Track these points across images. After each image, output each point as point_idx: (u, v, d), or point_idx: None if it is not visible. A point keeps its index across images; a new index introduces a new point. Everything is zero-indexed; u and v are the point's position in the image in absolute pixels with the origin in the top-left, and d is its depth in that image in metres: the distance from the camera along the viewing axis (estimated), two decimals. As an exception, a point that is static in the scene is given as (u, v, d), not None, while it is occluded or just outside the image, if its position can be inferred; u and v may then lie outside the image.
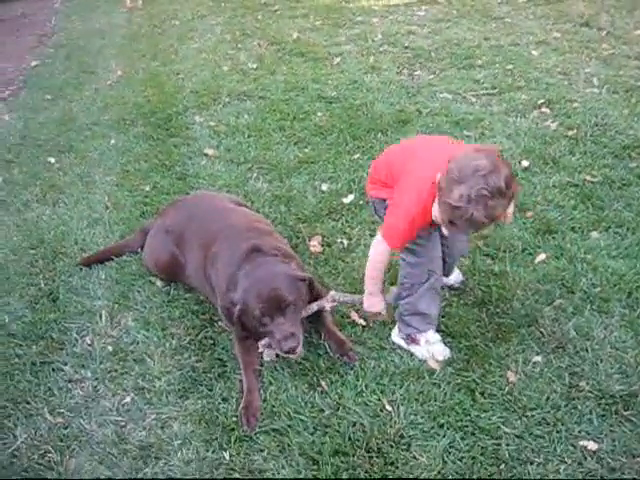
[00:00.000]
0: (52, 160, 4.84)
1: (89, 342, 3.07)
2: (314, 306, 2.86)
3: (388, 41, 6.58)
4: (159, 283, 3.40)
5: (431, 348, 2.82)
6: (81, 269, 3.56)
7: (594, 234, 3.53)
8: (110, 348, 3.02)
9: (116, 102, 5.78)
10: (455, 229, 2.42)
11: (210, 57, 6.61)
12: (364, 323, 3.02)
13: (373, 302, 2.81)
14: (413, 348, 2.85)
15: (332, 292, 2.90)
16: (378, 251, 2.67)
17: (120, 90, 6.07)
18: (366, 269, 2.75)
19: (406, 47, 6.38)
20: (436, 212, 2.44)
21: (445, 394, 2.63)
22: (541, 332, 2.91)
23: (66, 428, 2.67)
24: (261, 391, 2.73)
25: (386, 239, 2.62)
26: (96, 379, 2.87)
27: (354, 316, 3.06)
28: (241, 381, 2.77)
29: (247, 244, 2.96)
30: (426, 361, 2.79)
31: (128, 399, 2.76)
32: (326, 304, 2.85)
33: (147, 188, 4.29)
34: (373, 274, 2.74)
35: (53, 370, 2.94)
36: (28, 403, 2.79)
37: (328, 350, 2.88)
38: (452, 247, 2.95)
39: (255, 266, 2.84)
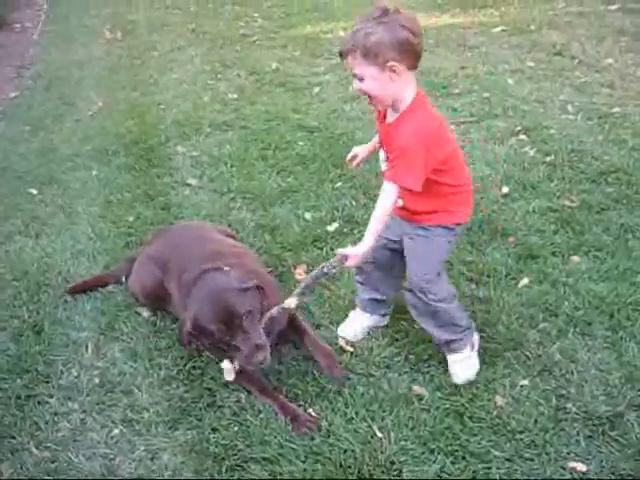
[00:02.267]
0: (34, 191, 4.83)
1: (75, 374, 3.05)
2: (275, 310, 2.75)
3: (366, 71, 6.66)
4: (145, 313, 3.39)
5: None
6: (66, 300, 3.55)
7: (575, 258, 3.59)
8: (97, 380, 3.01)
9: (97, 133, 5.79)
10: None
11: (190, 88, 6.65)
12: (352, 349, 3.04)
13: (365, 253, 2.64)
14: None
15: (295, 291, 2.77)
16: (392, 197, 2.57)
17: (101, 121, 6.08)
18: (378, 218, 2.60)
19: (384, 76, 6.46)
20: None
21: (435, 419, 2.65)
22: (527, 355, 2.95)
23: (53, 462, 2.65)
24: (251, 418, 2.73)
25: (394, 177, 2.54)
26: (83, 412, 2.86)
27: (341, 342, 3.08)
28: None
29: (203, 267, 2.96)
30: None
31: (116, 431, 2.75)
32: (290, 302, 2.72)
33: (131, 219, 4.29)
34: (381, 217, 2.60)
35: (39, 403, 2.92)
36: (13, 438, 2.77)
37: (315, 370, 2.88)
38: None
39: (200, 287, 2.84)
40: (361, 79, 2.56)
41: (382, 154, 2.80)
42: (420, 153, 2.51)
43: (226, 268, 2.92)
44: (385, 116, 2.70)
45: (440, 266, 2.85)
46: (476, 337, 2.97)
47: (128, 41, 8.83)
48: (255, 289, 2.81)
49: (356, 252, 2.62)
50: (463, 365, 2.87)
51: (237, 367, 2.78)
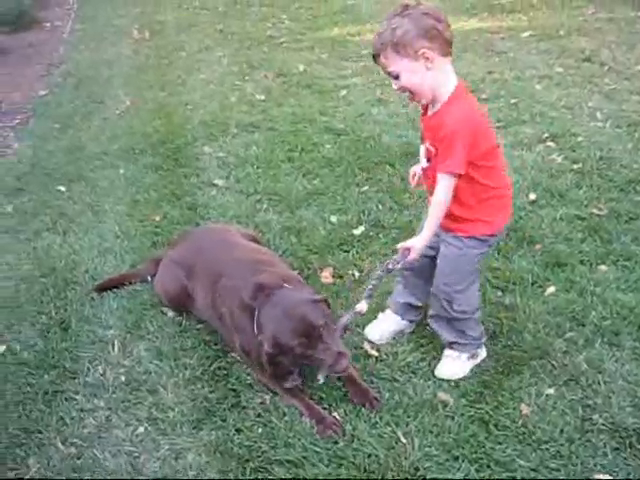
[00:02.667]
0: (62, 189, 4.87)
1: (101, 372, 3.07)
2: (346, 317, 2.82)
3: (393, 74, 6.65)
4: (170, 313, 3.41)
5: None
6: (92, 298, 3.58)
7: (602, 267, 3.56)
8: (123, 378, 3.03)
9: (125, 132, 5.83)
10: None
11: (217, 88, 6.68)
12: (377, 354, 3.03)
13: (423, 247, 2.68)
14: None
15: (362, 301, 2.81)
16: (445, 190, 2.60)
17: (129, 120, 6.13)
18: (434, 214, 2.65)
19: (412, 80, 6.45)
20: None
21: (459, 426, 2.64)
22: (553, 365, 2.93)
23: (79, 458, 2.66)
24: (275, 420, 2.73)
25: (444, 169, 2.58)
26: (109, 409, 2.87)
27: (367, 347, 3.07)
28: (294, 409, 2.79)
29: (254, 280, 2.96)
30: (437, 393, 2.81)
31: (141, 429, 2.76)
32: (361, 307, 2.79)
33: (157, 218, 4.32)
34: (438, 213, 2.65)
35: (65, 399, 2.94)
36: (40, 432, 2.79)
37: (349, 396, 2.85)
38: None
39: (272, 304, 2.80)
40: (397, 76, 2.58)
41: (422, 150, 2.81)
42: (466, 137, 2.53)
43: (286, 285, 2.91)
44: (427, 109, 2.70)
45: (472, 276, 2.85)
46: (482, 353, 2.98)
47: (156, 41, 8.88)
48: (323, 300, 2.85)
49: (415, 244, 2.65)
50: (453, 364, 2.91)
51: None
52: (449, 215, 2.71)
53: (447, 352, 2.95)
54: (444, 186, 2.59)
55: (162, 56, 8.11)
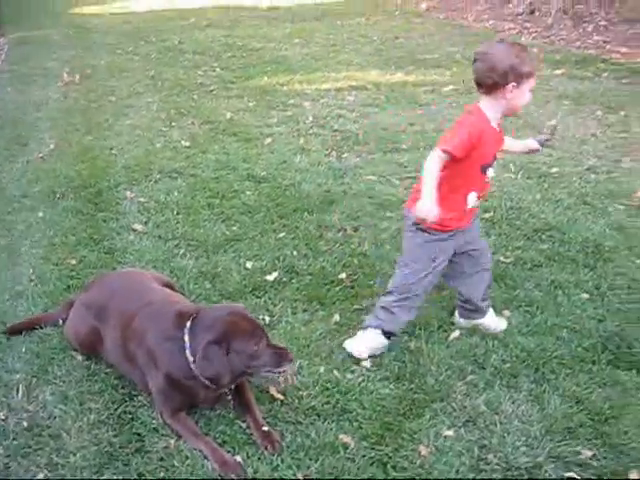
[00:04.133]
0: (-23, 231, 4.81)
1: (3, 417, 3.01)
2: None
3: (318, 124, 6.85)
4: (80, 357, 3.39)
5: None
6: (0, 342, 3.53)
7: (506, 312, 3.71)
8: (25, 423, 2.98)
9: (47, 175, 5.80)
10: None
11: (144, 134, 6.72)
12: (282, 397, 3.08)
13: (427, 207, 2.96)
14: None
15: None
16: (431, 159, 3.04)
17: (52, 163, 6.10)
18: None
19: (335, 130, 6.65)
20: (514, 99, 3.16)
21: (358, 468, 2.70)
22: (453, 407, 3.03)
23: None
24: (178, 464, 2.74)
25: (440, 144, 3.07)
26: (8, 456, 2.82)
27: (272, 390, 3.11)
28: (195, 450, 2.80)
29: (173, 310, 3.04)
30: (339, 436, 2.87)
31: (41, 476, 2.72)
32: None
33: (73, 262, 4.30)
34: (426, 179, 3.01)
35: (-37, 447, 2.88)
36: None
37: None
38: (479, 257, 3.47)
39: (204, 324, 2.88)
40: None
41: (491, 171, 3.37)
42: (475, 134, 3.11)
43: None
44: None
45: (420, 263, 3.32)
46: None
47: (86, 85, 8.90)
48: None
49: (422, 207, 2.97)
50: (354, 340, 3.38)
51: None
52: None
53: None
54: (432, 156, 3.05)
55: (91, 100, 8.13)
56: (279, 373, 2.95)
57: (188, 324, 2.91)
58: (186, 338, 2.88)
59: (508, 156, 5.86)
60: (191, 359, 2.85)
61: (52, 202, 5.23)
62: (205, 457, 2.76)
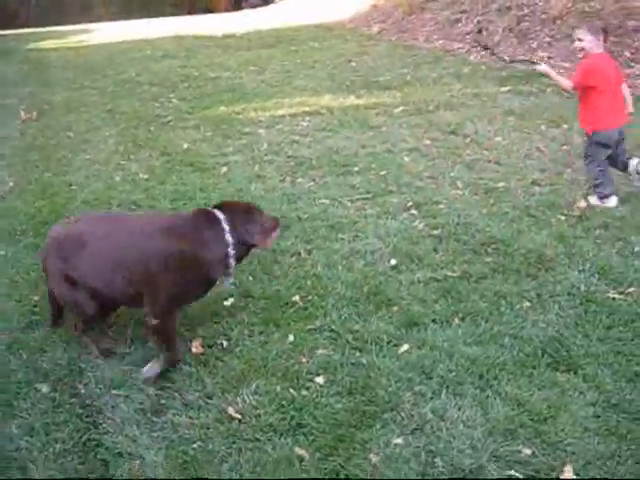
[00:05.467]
0: (-62, 272, 4.88)
1: (-30, 452, 3.13)
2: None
3: (273, 150, 7.05)
4: (45, 389, 3.51)
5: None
6: (-35, 380, 3.63)
7: (452, 324, 3.91)
8: (-9, 457, 3.10)
9: (7, 214, 5.89)
10: None
11: (102, 168, 6.85)
12: (240, 417, 3.23)
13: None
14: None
15: None
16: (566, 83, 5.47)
17: (11, 201, 6.19)
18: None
19: (289, 156, 6.85)
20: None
21: (313, 479, 2.86)
22: (402, 416, 3.20)
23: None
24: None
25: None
26: (-24, 489, 2.94)
27: (230, 410, 3.26)
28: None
29: (193, 210, 3.98)
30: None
31: (9, 506, 2.84)
32: None
33: (36, 298, 4.40)
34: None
35: None
36: None
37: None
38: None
39: (227, 210, 3.74)
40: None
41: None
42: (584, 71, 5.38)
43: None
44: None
45: None
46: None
47: (44, 121, 9.00)
48: None
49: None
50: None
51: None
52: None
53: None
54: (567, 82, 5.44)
55: (49, 136, 8.23)
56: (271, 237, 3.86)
57: (221, 216, 3.63)
58: (225, 225, 3.61)
59: (455, 173, 6.15)
60: (231, 241, 3.59)
61: (13, 240, 5.33)
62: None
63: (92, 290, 3.59)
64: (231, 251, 3.62)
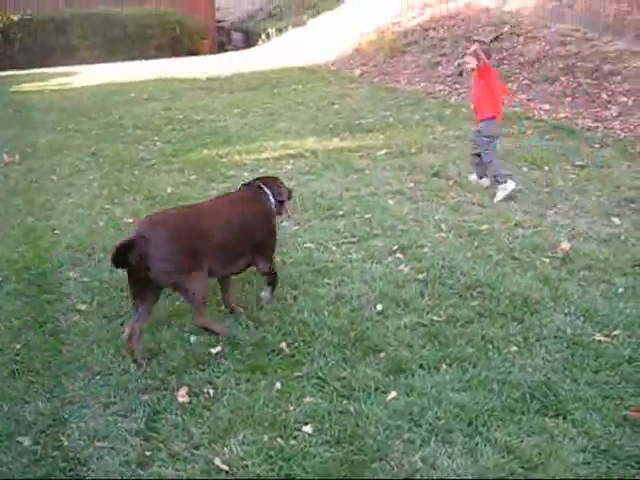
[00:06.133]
0: None
1: (-49, 509, 3.06)
2: None
3: (257, 194, 7.04)
4: (26, 442, 3.44)
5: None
6: (-55, 433, 3.56)
7: (440, 370, 3.90)
8: (-27, 513, 3.03)
9: (-11, 259, 5.84)
10: None
11: (86, 212, 6.83)
12: (227, 468, 3.18)
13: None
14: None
15: None
16: None
17: (-6, 247, 6.14)
18: None
19: (274, 199, 6.85)
20: None
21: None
22: (391, 465, 3.18)
23: None
24: None
25: None
26: None
27: (217, 462, 3.21)
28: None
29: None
30: None
31: None
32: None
33: (18, 346, 4.35)
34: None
35: None
36: None
37: None
38: None
39: (266, 182, 4.86)
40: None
41: None
42: None
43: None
44: None
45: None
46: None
47: (27, 164, 8.97)
48: None
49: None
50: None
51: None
52: None
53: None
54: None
55: (32, 180, 8.19)
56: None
57: (263, 186, 4.74)
58: (267, 191, 4.71)
59: (439, 216, 6.18)
60: (272, 200, 4.71)
61: (-5, 286, 5.28)
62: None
63: (214, 265, 4.23)
64: (274, 207, 4.72)
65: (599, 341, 4.10)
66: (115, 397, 3.78)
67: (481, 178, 7.08)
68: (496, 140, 6.96)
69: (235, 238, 4.34)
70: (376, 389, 3.73)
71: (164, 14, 23.01)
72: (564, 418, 3.47)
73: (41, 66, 19.64)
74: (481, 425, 3.42)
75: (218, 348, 4.16)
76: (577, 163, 7.65)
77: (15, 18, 21.01)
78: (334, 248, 5.59)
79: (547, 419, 3.48)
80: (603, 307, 4.50)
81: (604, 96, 10.16)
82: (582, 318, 4.36)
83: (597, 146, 8.37)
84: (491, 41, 8.40)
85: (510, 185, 6.63)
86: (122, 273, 5.22)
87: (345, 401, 3.64)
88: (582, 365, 3.88)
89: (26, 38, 20.93)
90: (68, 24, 21.49)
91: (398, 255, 5.42)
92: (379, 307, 4.58)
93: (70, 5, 22.70)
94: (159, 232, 4.00)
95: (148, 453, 3.33)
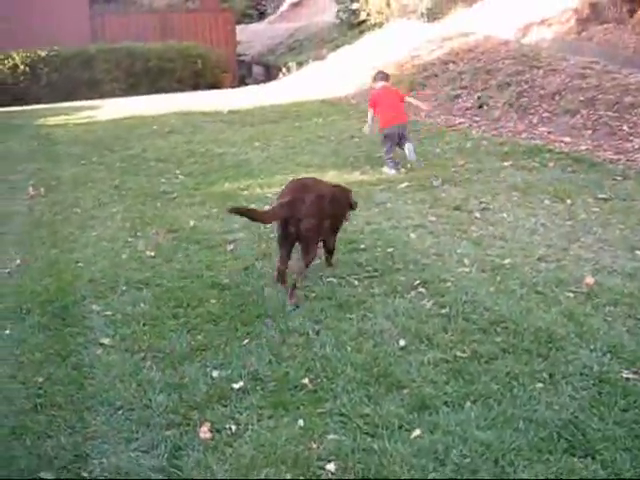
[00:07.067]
0: (-56, 354, 4.84)
1: None
2: None
3: (279, 227, 7.06)
4: (49, 477, 3.43)
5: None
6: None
7: (465, 407, 3.84)
8: None
9: (13, 291, 5.88)
10: None
11: (109, 245, 6.87)
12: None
13: None
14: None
15: None
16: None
17: (18, 279, 6.19)
18: None
19: (296, 233, 6.86)
20: None
21: None
22: (416, 506, 3.12)
23: None
24: None
25: None
26: None
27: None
28: None
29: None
30: None
31: None
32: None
33: (41, 379, 4.35)
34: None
35: None
36: None
37: None
38: None
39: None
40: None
41: None
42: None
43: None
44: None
45: None
46: None
47: (51, 197, 9.07)
48: None
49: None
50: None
51: None
52: None
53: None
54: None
55: (56, 212, 8.28)
56: None
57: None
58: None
59: (461, 250, 6.15)
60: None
61: (19, 318, 5.29)
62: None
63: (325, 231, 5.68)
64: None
65: (627, 378, 4.03)
66: (137, 432, 3.76)
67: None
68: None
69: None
70: (400, 427, 3.68)
71: (186, 48, 23.40)
72: (593, 458, 3.40)
73: (66, 100, 20.01)
74: (507, 465, 3.36)
75: (241, 383, 4.13)
76: (600, 196, 7.61)
77: (42, 54, 21.49)
78: (356, 282, 5.57)
79: (575, 459, 3.40)
80: (630, 343, 4.43)
81: (626, 128, 10.13)
82: (609, 355, 4.30)
83: (619, 178, 8.33)
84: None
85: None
86: (145, 306, 5.30)
87: (369, 439, 3.59)
88: (610, 403, 3.81)
89: (52, 73, 21.38)
90: (93, 59, 21.94)
91: (420, 290, 5.38)
92: (402, 342, 4.54)
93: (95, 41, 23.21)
94: (309, 196, 5.36)
95: (170, 491, 3.31)
